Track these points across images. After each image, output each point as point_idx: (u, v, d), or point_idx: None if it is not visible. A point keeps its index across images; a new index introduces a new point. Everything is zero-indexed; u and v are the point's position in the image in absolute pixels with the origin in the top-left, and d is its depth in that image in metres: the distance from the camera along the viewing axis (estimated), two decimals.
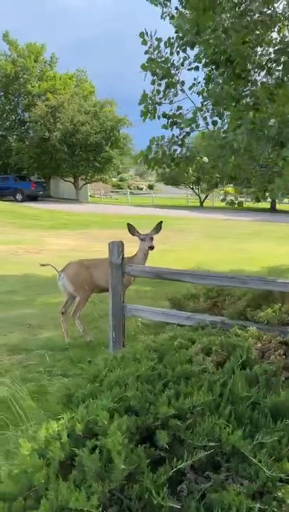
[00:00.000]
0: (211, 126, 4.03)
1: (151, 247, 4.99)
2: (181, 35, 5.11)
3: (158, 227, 5.10)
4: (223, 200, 4.15)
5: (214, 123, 4.05)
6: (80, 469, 2.04)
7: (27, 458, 2.10)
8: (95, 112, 32.12)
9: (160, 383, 2.50)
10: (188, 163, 4.06)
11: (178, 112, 4.24)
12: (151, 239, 5.03)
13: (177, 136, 4.08)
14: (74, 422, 2.23)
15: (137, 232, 5.11)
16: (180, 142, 4.11)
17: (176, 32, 9.59)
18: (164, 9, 9.33)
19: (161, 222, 5.13)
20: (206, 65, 4.48)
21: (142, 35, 4.50)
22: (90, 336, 5.14)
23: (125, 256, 5.23)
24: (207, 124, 4.09)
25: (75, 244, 14.05)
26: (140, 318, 4.30)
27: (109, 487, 1.93)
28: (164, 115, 4.19)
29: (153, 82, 4.24)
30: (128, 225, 5.10)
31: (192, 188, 34.26)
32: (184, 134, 4.15)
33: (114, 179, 47.65)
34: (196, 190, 33.61)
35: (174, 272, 4.00)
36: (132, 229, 5.10)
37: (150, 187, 55.07)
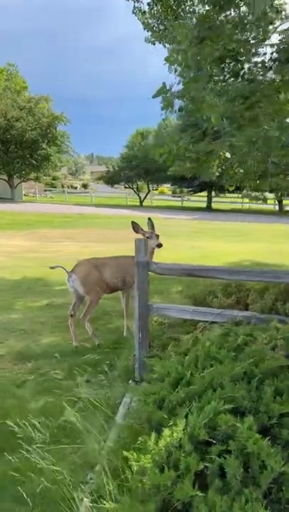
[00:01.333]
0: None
1: (160, 245, 4.91)
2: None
3: (152, 224, 5.06)
4: (246, 196, 4.17)
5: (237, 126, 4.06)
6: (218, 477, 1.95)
7: (154, 472, 1.96)
8: (30, 107, 30.95)
9: (253, 381, 2.46)
10: (210, 159, 4.05)
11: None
12: (157, 236, 4.97)
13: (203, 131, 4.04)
14: (192, 428, 2.12)
15: (142, 229, 5.02)
16: (199, 138, 4.09)
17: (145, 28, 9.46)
18: (136, 4, 9.21)
19: (149, 219, 5.10)
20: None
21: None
22: (98, 338, 4.93)
23: (130, 255, 5.13)
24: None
25: (29, 245, 13.44)
26: (167, 316, 4.20)
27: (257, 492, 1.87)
28: (180, 109, 4.16)
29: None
30: (132, 222, 5.00)
31: (131, 188, 34.43)
32: (205, 128, 4.13)
33: (46, 178, 46.31)
34: (135, 190, 33.89)
35: (206, 269, 3.96)
36: (136, 226, 5.00)
37: (84, 186, 54.40)
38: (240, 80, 4.43)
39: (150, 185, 35.53)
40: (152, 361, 3.47)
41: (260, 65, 4.76)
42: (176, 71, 8.92)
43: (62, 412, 3.43)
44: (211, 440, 2.05)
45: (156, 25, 9.32)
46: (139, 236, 5.06)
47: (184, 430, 2.08)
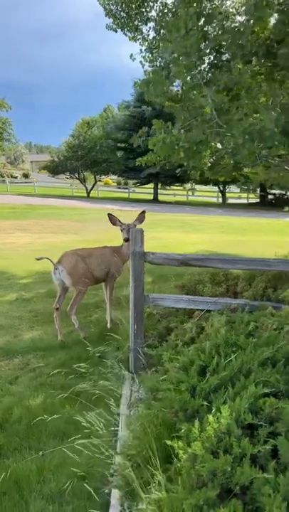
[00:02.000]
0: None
1: (126, 240, 4.83)
2: None
3: (141, 217, 4.99)
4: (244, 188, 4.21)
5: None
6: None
7: (209, 458, 1.97)
8: None
9: (279, 365, 2.54)
10: (202, 149, 4.06)
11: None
12: (130, 230, 4.87)
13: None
14: (237, 413, 2.15)
15: (119, 221, 4.95)
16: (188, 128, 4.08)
17: None
18: None
19: (144, 211, 5.04)
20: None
21: None
22: (84, 331, 4.82)
23: (110, 246, 5.07)
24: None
25: None
26: (162, 307, 4.20)
27: None
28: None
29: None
30: (109, 215, 4.93)
31: (77, 178, 33.79)
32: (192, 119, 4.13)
33: None
34: (82, 180, 33.33)
35: (201, 258, 4.01)
36: (112, 218, 4.93)
37: (25, 175, 52.51)
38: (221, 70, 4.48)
39: (97, 176, 35.10)
40: (156, 351, 3.48)
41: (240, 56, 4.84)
42: (150, 61, 8.84)
43: (64, 407, 3.35)
44: (257, 423, 2.09)
45: (118, 12, 9.15)
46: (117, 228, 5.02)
47: (229, 415, 2.11)
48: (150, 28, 8.94)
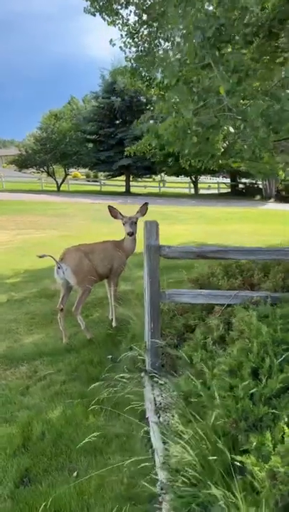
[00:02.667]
0: None
1: (130, 234, 4.57)
2: None
3: (143, 209, 4.71)
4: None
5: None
6: None
7: None
8: None
9: None
10: (214, 134, 3.82)
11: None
12: (133, 223, 4.61)
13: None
14: None
15: (120, 214, 4.66)
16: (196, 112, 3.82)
17: None
18: None
19: (146, 203, 4.76)
20: None
21: None
22: (90, 332, 4.51)
23: (112, 240, 4.78)
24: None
25: None
26: (181, 303, 3.95)
27: None
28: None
29: None
30: (109, 207, 4.63)
31: (47, 172, 32.86)
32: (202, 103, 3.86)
33: None
34: (52, 174, 32.44)
35: (218, 250, 3.77)
36: (113, 211, 4.63)
37: None
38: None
39: (67, 170, 34.29)
40: (183, 351, 3.23)
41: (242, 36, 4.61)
42: (129, 46, 8.47)
43: (87, 417, 3.06)
44: None
45: None
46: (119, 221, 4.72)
47: None
48: (130, 12, 8.58)
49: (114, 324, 4.77)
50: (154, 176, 39.04)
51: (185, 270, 6.41)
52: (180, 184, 39.23)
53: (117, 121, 31.81)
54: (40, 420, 3.01)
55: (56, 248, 8.70)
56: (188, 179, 36.21)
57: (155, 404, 3.32)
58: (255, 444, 1.91)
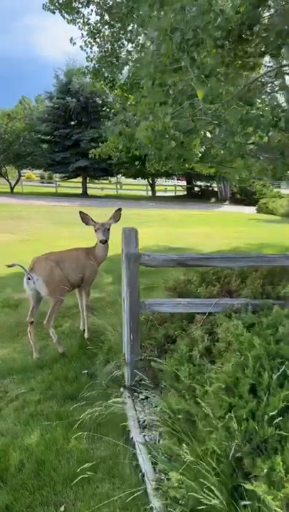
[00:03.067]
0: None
1: (103, 241, 4.38)
2: None
3: (116, 215, 4.53)
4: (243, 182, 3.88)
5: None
6: None
7: None
8: None
9: None
10: (191, 139, 3.71)
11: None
12: (106, 230, 4.42)
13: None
14: None
15: (92, 220, 4.45)
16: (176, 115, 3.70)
17: None
18: None
19: (120, 209, 4.58)
20: None
21: None
22: (63, 346, 4.27)
23: (83, 247, 4.57)
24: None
25: None
26: (160, 312, 3.80)
27: None
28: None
29: None
30: (81, 213, 4.41)
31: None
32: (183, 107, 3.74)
33: None
34: (4, 175, 31.29)
35: (199, 257, 3.67)
36: (85, 217, 4.42)
37: None
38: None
39: (20, 171, 33.28)
40: (168, 364, 3.09)
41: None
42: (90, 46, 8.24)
43: (68, 441, 2.85)
44: None
45: None
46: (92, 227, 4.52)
47: None
48: (92, 11, 8.37)
49: (86, 335, 4.56)
50: (110, 178, 38.80)
51: (154, 275, 6.31)
52: (137, 186, 39.24)
53: (73, 122, 31.32)
54: (17, 447, 2.76)
55: (16, 253, 8.34)
56: (145, 181, 36.30)
57: (138, 422, 3.16)
58: (266, 471, 1.79)
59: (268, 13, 4.99)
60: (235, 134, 3.56)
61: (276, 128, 3.40)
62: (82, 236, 12.02)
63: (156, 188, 36.62)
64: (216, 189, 35.02)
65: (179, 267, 3.68)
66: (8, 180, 31.73)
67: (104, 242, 4.35)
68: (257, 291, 3.85)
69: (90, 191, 33.96)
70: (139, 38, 7.04)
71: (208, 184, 37.16)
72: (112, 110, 30.78)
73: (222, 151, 3.83)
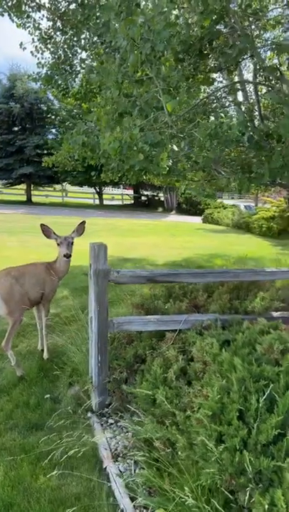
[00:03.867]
0: None
1: (67, 255, 4.18)
2: None
3: (80, 228, 4.35)
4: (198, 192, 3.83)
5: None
6: None
7: None
8: None
9: None
10: (158, 152, 3.61)
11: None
12: (70, 244, 4.23)
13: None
14: None
15: (54, 233, 4.24)
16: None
17: None
18: None
19: (83, 222, 4.41)
20: None
21: None
22: (22, 369, 3.97)
23: (42, 262, 4.34)
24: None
25: None
26: (130, 331, 3.64)
27: None
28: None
29: None
30: (42, 225, 4.18)
31: None
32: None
33: None
34: None
35: (169, 273, 3.57)
36: (46, 230, 4.20)
37: None
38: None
39: None
40: (142, 387, 2.94)
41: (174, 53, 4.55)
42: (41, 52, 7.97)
43: (37, 478, 2.62)
44: None
45: None
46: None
47: None
48: (43, 16, 8.13)
49: (46, 356, 4.28)
50: (54, 185, 38.03)
51: (111, 288, 6.12)
52: (82, 194, 38.79)
53: (16, 128, 30.37)
54: None
55: None
56: (91, 189, 35.97)
57: (110, 450, 2.97)
58: (267, 507, 1.70)
59: (226, 30, 5.07)
60: (203, 148, 3.52)
61: (238, 143, 3.42)
62: (31, 246, 11.58)
63: (103, 196, 36.40)
64: (162, 199, 35.50)
65: (148, 283, 3.57)
66: None
67: (69, 256, 4.14)
68: (225, 305, 3.82)
69: (34, 198, 33.05)
70: (94, 46, 6.90)
71: (155, 194, 37.63)
72: (58, 117, 30.34)
73: (189, 165, 3.80)
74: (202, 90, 5.61)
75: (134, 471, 2.72)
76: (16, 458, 2.79)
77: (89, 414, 3.38)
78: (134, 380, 3.36)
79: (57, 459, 2.70)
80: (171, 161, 3.81)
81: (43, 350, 4.40)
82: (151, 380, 2.98)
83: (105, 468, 2.78)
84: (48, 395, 3.60)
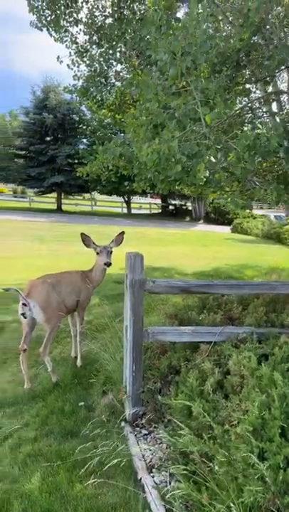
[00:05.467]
0: None
1: (107, 264, 4.26)
2: None
3: (118, 239, 4.41)
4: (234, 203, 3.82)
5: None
6: None
7: None
8: None
9: None
10: (196, 163, 3.64)
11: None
12: (109, 253, 4.32)
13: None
14: None
15: (94, 243, 4.32)
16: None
17: None
18: None
19: (122, 232, 4.47)
20: None
21: None
22: (57, 375, 4.03)
23: (78, 270, 4.41)
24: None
25: None
26: (164, 341, 3.64)
27: None
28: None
29: None
30: (82, 235, 4.27)
31: None
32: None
33: None
34: None
35: (204, 284, 3.56)
36: (87, 240, 4.28)
37: None
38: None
39: None
40: (178, 399, 2.92)
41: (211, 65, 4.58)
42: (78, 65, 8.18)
43: (74, 486, 2.63)
44: None
45: (42, 9, 8.38)
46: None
47: None
48: (80, 30, 8.35)
49: (79, 363, 4.33)
50: (84, 194, 38.58)
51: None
52: (111, 203, 39.19)
53: (48, 138, 31.13)
54: (18, 495, 2.51)
55: None
56: (119, 198, 36.30)
57: (145, 461, 2.96)
58: None
59: (262, 41, 5.07)
60: (241, 159, 3.51)
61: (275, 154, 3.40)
62: (62, 254, 11.77)
63: (131, 205, 36.67)
64: (190, 208, 35.44)
65: (183, 293, 3.57)
66: None
67: (109, 265, 4.22)
68: (261, 318, 3.77)
69: (64, 207, 33.63)
70: (130, 59, 7.03)
71: (183, 203, 37.62)
72: (89, 127, 30.91)
73: (225, 176, 3.80)
74: (237, 101, 5.61)
75: (170, 483, 2.71)
76: (52, 464, 2.82)
77: (122, 424, 3.39)
78: (168, 391, 3.35)
79: (93, 468, 2.72)
80: (208, 172, 3.82)
81: (76, 357, 4.45)
82: (187, 392, 2.97)
83: (140, 479, 2.77)
84: (82, 403, 3.65)
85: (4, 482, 2.64)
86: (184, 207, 37.25)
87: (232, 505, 1.92)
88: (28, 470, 2.77)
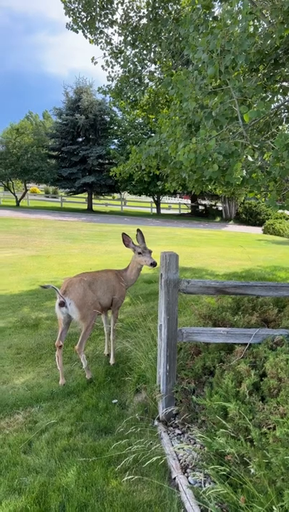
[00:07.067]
0: None
1: (154, 264, 4.28)
2: None
3: (143, 237, 4.42)
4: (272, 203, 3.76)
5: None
6: None
7: None
8: None
9: None
10: (233, 162, 3.61)
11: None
12: (150, 252, 4.35)
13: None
14: None
15: (133, 243, 4.35)
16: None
17: None
18: None
19: (138, 230, 4.48)
20: None
21: None
22: (91, 372, 4.09)
23: (113, 269, 4.44)
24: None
25: None
26: (198, 342, 3.64)
27: None
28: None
29: None
30: (123, 235, 4.30)
31: (6, 186, 31.61)
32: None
33: None
34: (12, 189, 31.22)
35: (240, 285, 3.52)
36: (126, 240, 4.31)
37: None
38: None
39: (26, 185, 33.34)
40: (213, 400, 2.91)
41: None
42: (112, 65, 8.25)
43: (109, 481, 2.66)
44: None
45: (78, 11, 8.50)
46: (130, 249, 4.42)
47: None
48: (115, 31, 8.43)
49: (112, 361, 4.37)
50: (113, 194, 38.87)
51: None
52: (140, 203, 39.34)
53: (80, 139, 31.54)
54: (56, 488, 2.56)
55: (29, 269, 8.19)
56: (148, 199, 36.37)
57: (179, 461, 2.96)
58: None
59: None
60: (280, 159, 3.45)
61: None
62: (92, 253, 11.92)
63: (161, 205, 36.67)
64: (220, 208, 35.08)
65: (218, 294, 3.53)
66: (14, 194, 31.76)
67: (156, 264, 4.25)
68: None
69: (94, 207, 34.00)
70: (165, 59, 7.03)
71: (213, 203, 37.27)
72: (120, 128, 31.12)
73: (263, 176, 3.74)
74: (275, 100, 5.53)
75: (204, 483, 2.69)
76: (87, 459, 2.86)
77: (156, 423, 3.40)
78: (202, 392, 3.34)
79: (128, 465, 2.74)
80: (245, 171, 3.78)
81: (109, 355, 4.49)
82: (222, 393, 2.95)
83: (174, 478, 2.77)
84: (115, 400, 3.68)
85: (42, 474, 2.70)
86: (214, 207, 36.90)
87: (274, 508, 1.89)
88: (65, 464, 2.82)
